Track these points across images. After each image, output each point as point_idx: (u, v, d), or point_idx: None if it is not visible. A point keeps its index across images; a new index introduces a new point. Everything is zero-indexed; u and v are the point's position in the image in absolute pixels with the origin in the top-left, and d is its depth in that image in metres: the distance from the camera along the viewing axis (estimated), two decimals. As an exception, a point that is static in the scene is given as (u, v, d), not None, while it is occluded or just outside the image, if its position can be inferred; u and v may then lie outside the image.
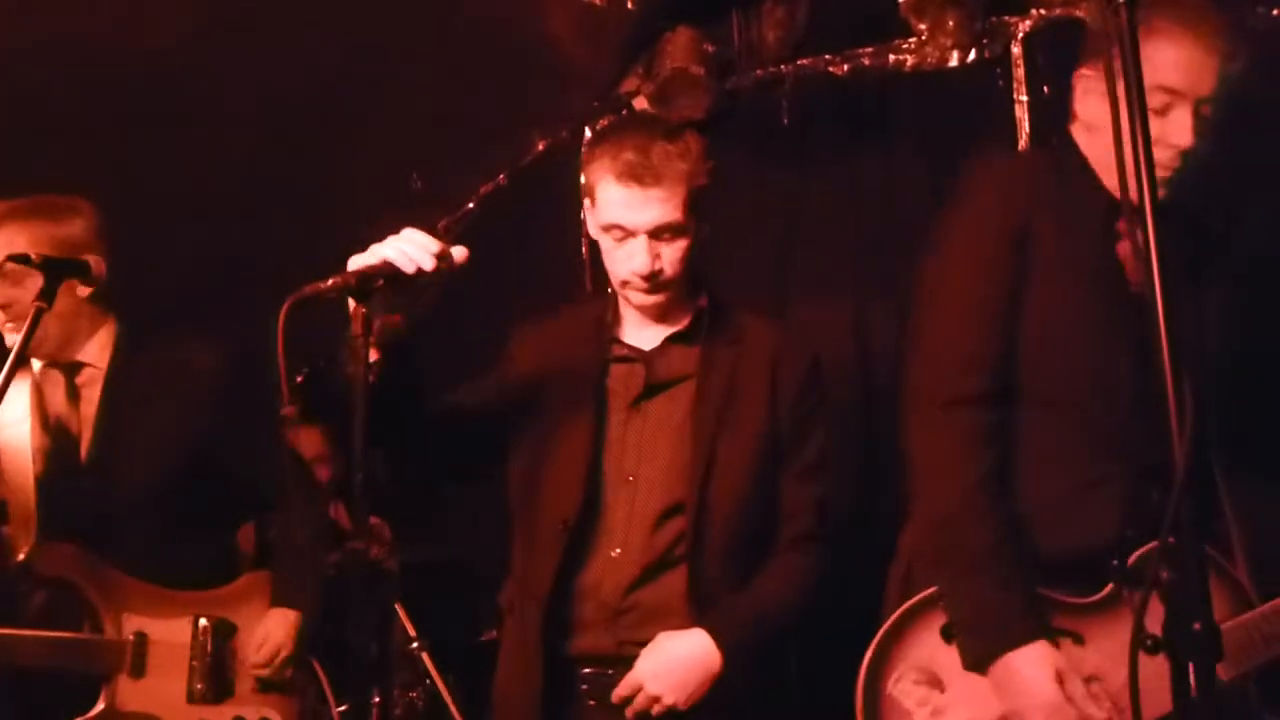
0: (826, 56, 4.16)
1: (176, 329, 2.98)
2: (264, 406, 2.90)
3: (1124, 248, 2.06)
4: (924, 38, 3.94)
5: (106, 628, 2.70)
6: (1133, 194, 1.40)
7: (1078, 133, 2.19)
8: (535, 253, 4.25)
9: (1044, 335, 2.05)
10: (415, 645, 3.49)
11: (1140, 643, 1.34)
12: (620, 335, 2.48)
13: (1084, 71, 2.15)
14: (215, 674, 2.78)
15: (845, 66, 4.14)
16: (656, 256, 2.34)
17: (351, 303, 1.90)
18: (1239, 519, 2.12)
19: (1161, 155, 1.95)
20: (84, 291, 2.77)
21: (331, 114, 3.87)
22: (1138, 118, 1.41)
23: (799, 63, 4.21)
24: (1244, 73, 2.06)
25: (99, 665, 2.70)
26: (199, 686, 2.77)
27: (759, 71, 4.29)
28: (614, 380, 2.43)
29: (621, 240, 2.35)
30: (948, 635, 2.07)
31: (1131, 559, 1.97)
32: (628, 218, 2.32)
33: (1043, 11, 3.86)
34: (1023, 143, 3.81)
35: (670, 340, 2.44)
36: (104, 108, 3.75)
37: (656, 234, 2.33)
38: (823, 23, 4.19)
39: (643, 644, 2.29)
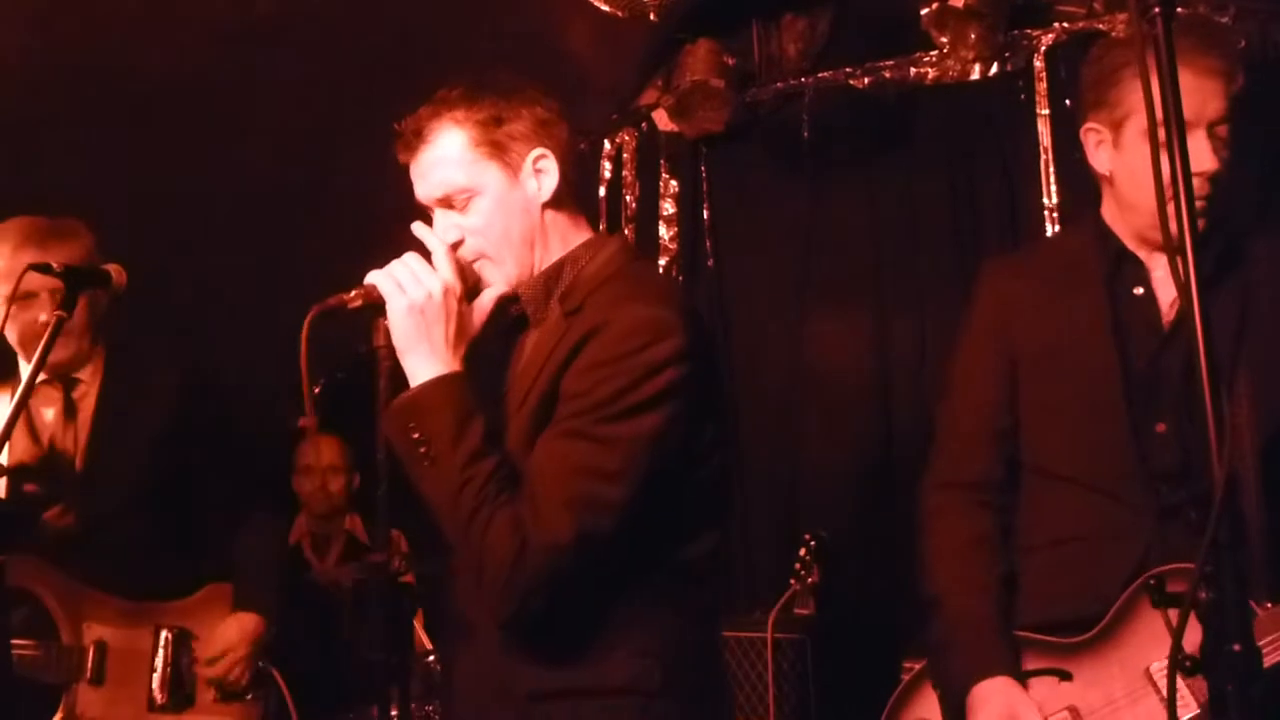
0: (847, 69, 4.16)
1: (159, 349, 3.02)
2: (232, 425, 2.97)
3: (1137, 292, 2.16)
4: (945, 50, 3.93)
5: (66, 637, 2.73)
6: (1172, 225, 1.38)
7: (1106, 207, 2.22)
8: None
9: (1038, 422, 2.22)
10: (431, 658, 3.47)
11: (1179, 664, 1.32)
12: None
13: (1091, 125, 2.17)
14: (175, 684, 2.81)
15: (866, 79, 4.13)
16: None
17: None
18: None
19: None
20: (101, 301, 2.79)
21: (353, 127, 3.87)
22: (1174, 127, 1.39)
23: (819, 75, 4.20)
24: (1247, 90, 2.11)
25: (59, 673, 2.71)
26: (159, 696, 2.79)
27: (779, 84, 4.28)
28: None
29: None
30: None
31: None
32: None
33: (1065, 25, 3.85)
34: (1044, 157, 3.80)
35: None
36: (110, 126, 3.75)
37: None
38: (843, 35, 4.18)
39: None
